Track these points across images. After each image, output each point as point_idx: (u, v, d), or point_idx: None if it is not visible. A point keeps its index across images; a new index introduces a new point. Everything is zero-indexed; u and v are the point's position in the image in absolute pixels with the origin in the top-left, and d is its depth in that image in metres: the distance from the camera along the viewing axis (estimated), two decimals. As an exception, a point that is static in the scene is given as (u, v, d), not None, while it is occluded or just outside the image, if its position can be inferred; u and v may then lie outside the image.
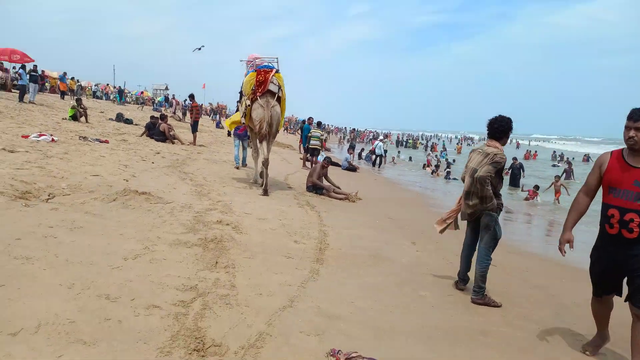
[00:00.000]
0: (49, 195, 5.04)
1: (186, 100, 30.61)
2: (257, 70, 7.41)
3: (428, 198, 11.38)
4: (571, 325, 3.49)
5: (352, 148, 18.54)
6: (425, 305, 3.52)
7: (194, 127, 13.82)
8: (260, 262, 3.86)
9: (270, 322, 2.73)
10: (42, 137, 8.78)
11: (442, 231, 4.28)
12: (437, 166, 19.84)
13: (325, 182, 8.77)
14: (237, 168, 10.36)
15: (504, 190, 15.75)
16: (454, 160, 25.15)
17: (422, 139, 53.35)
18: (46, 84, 27.85)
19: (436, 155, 26.78)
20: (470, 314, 3.50)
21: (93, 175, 6.32)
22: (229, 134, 11.66)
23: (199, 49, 25.64)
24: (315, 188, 8.50)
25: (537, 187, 12.91)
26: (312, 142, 12.88)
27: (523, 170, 15.85)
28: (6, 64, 22.54)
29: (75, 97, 18.61)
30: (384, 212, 7.79)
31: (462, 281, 4.02)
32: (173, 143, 12.82)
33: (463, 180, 3.96)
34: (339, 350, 2.48)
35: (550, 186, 13.23)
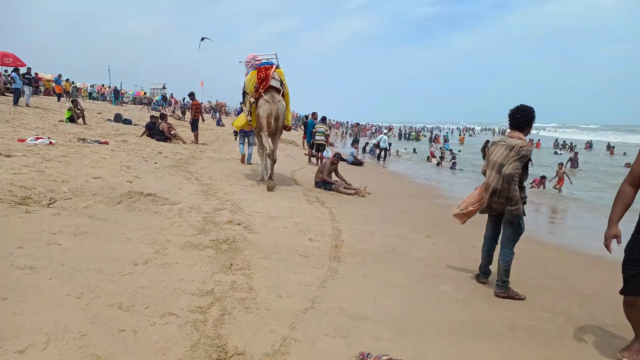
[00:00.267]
0: (50, 200, 4.88)
1: (185, 98, 30.45)
2: (258, 67, 7.40)
3: (436, 190, 11.22)
4: (596, 316, 3.35)
5: (356, 142, 18.34)
6: (449, 301, 3.37)
7: (194, 126, 13.63)
8: (276, 263, 3.70)
9: (293, 325, 2.57)
10: (40, 141, 8.59)
11: (463, 222, 4.10)
12: (441, 157, 19.67)
13: (334, 178, 8.61)
14: (243, 161, 10.35)
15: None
16: (459, 151, 24.97)
17: (425, 131, 53.12)
18: (40, 86, 27.59)
19: (440, 147, 26.60)
20: (495, 308, 3.36)
21: (95, 178, 6.15)
22: (235, 134, 11.50)
23: (203, 40, 24.76)
24: (324, 184, 8.34)
25: (543, 177, 12.75)
26: (317, 137, 12.70)
27: (530, 160, 15.68)
28: (-1, 68, 22.26)
29: (71, 99, 18.37)
30: (395, 206, 7.64)
31: (483, 275, 3.87)
32: (170, 141, 12.60)
33: (483, 174, 3.80)
34: (369, 354, 2.33)
35: (555, 176, 13.08)
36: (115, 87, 36.52)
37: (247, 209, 5.58)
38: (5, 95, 19.85)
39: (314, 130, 12.82)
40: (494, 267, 3.82)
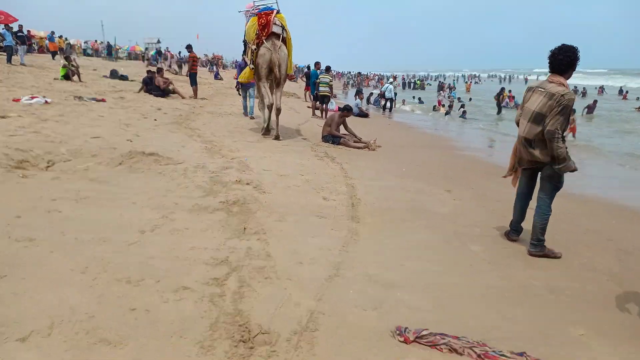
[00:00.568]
0: (48, 163, 4.60)
1: (180, 52, 29.18)
2: (258, 14, 7.19)
3: (448, 140, 10.78)
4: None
5: (359, 93, 17.59)
6: (481, 263, 3.14)
7: (193, 80, 13.02)
8: (292, 225, 3.45)
9: (319, 296, 2.35)
10: (35, 100, 8.18)
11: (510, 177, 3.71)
12: (450, 106, 18.98)
13: (342, 131, 8.21)
14: (246, 115, 10.20)
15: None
16: (470, 99, 24.11)
17: (429, 80, 51.38)
18: (34, 44, 26.48)
19: (447, 95, 25.65)
20: (532, 268, 3.14)
21: (94, 138, 5.82)
22: (237, 89, 11.11)
23: None
24: (332, 138, 7.96)
25: None
26: (321, 88, 12.08)
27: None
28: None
29: (64, 55, 17.56)
30: (408, 159, 7.31)
31: (514, 232, 3.62)
32: (169, 96, 12.15)
33: (517, 124, 3.42)
34: (406, 328, 2.12)
35: (572, 123, 12.53)
36: (108, 42, 34.97)
37: (254, 166, 5.27)
38: (-1, 54, 19.08)
39: (318, 80, 12.18)
40: (525, 224, 3.57)
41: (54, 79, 12.71)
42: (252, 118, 9.99)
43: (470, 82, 44.83)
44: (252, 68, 7.55)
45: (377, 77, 48.74)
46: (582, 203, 5.23)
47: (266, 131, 7.72)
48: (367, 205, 4.24)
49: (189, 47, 13.24)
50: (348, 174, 5.57)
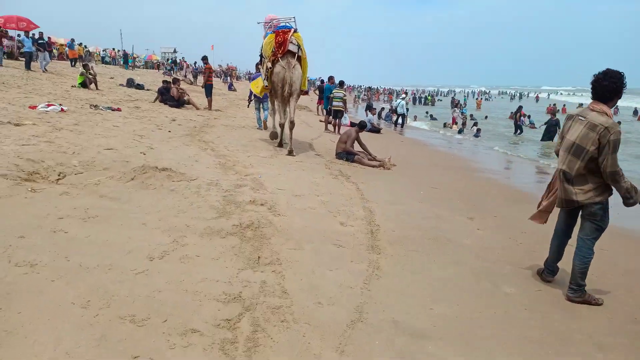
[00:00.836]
0: (59, 175, 4.49)
1: (196, 62, 29.47)
2: (276, 31, 7.37)
3: (464, 160, 10.50)
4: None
5: (370, 108, 17.41)
6: (517, 308, 2.86)
7: (208, 91, 13.00)
8: (308, 255, 3.23)
9: (341, 348, 2.12)
10: (51, 107, 8.18)
11: (543, 222, 3.41)
12: (463, 124, 18.69)
13: (357, 148, 8.01)
14: (259, 129, 10.27)
15: (538, 145, 14.72)
16: (485, 117, 23.74)
17: (439, 95, 51.19)
18: (54, 51, 27.00)
19: (462, 112, 25.39)
20: (572, 317, 2.85)
21: (107, 149, 5.72)
22: (249, 101, 11.13)
23: None
24: (346, 155, 7.77)
25: None
26: (334, 103, 11.94)
27: (559, 127, 14.89)
28: (12, 32, 21.76)
29: (82, 63, 17.80)
30: (424, 180, 7.06)
31: (550, 273, 3.33)
32: (183, 107, 12.20)
33: (556, 154, 3.18)
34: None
35: None
36: (125, 50, 35.58)
37: (268, 185, 5.09)
38: (19, 59, 19.44)
39: (331, 95, 12.05)
40: (563, 264, 3.29)
41: (72, 86, 12.81)
42: (264, 129, 9.98)
43: (481, 98, 44.47)
44: (267, 86, 7.78)
45: (387, 91, 48.70)
46: (614, 237, 4.88)
47: (279, 144, 7.93)
48: (387, 233, 4.00)
49: (204, 59, 13.27)
50: (364, 196, 5.34)
